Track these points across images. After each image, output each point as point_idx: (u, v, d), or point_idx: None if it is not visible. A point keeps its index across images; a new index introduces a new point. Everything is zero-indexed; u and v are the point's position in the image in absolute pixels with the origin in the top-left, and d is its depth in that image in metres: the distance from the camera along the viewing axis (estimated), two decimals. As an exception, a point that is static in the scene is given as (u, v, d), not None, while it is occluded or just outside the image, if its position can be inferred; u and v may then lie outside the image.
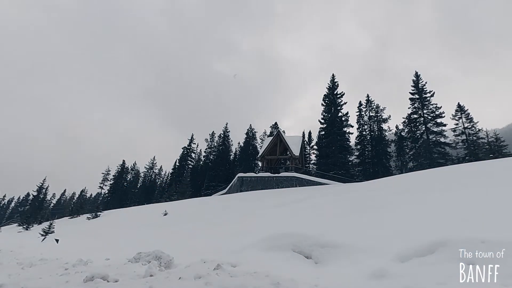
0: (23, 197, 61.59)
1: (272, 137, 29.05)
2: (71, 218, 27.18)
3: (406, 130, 31.14)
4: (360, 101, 35.74)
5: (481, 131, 25.67)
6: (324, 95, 35.03)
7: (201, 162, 47.07)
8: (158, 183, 53.03)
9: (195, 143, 47.07)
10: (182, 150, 45.82)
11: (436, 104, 28.63)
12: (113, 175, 49.67)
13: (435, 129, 27.86)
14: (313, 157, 40.00)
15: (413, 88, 30.59)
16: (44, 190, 49.07)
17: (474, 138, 25.76)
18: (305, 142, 39.16)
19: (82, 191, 62.61)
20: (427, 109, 28.97)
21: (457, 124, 27.18)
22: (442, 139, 27.45)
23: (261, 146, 37.74)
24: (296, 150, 26.26)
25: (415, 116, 29.69)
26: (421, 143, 28.18)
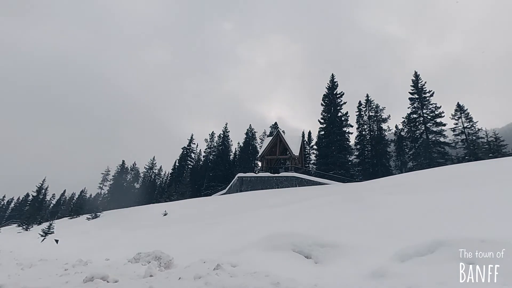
0: (23, 198, 61.53)
1: (271, 137, 29.03)
2: (71, 218, 27.17)
3: (405, 130, 31.17)
4: (360, 101, 35.79)
5: (480, 130, 25.73)
6: (324, 95, 35.01)
7: (200, 162, 47.05)
8: (158, 183, 52.97)
9: (194, 143, 47.07)
10: (182, 150, 45.81)
11: (436, 103, 28.67)
12: (113, 175, 49.61)
13: (434, 129, 27.87)
14: (313, 157, 40.01)
15: (412, 88, 30.61)
16: (43, 191, 49.07)
17: (474, 137, 25.79)
18: (305, 142, 39.18)
19: (82, 191, 62.59)
20: (427, 109, 28.99)
21: (456, 123, 27.21)
22: (441, 139, 27.45)
23: (260, 146, 37.73)
24: (295, 150, 26.27)
25: (414, 116, 29.69)
26: (420, 143, 28.19)
